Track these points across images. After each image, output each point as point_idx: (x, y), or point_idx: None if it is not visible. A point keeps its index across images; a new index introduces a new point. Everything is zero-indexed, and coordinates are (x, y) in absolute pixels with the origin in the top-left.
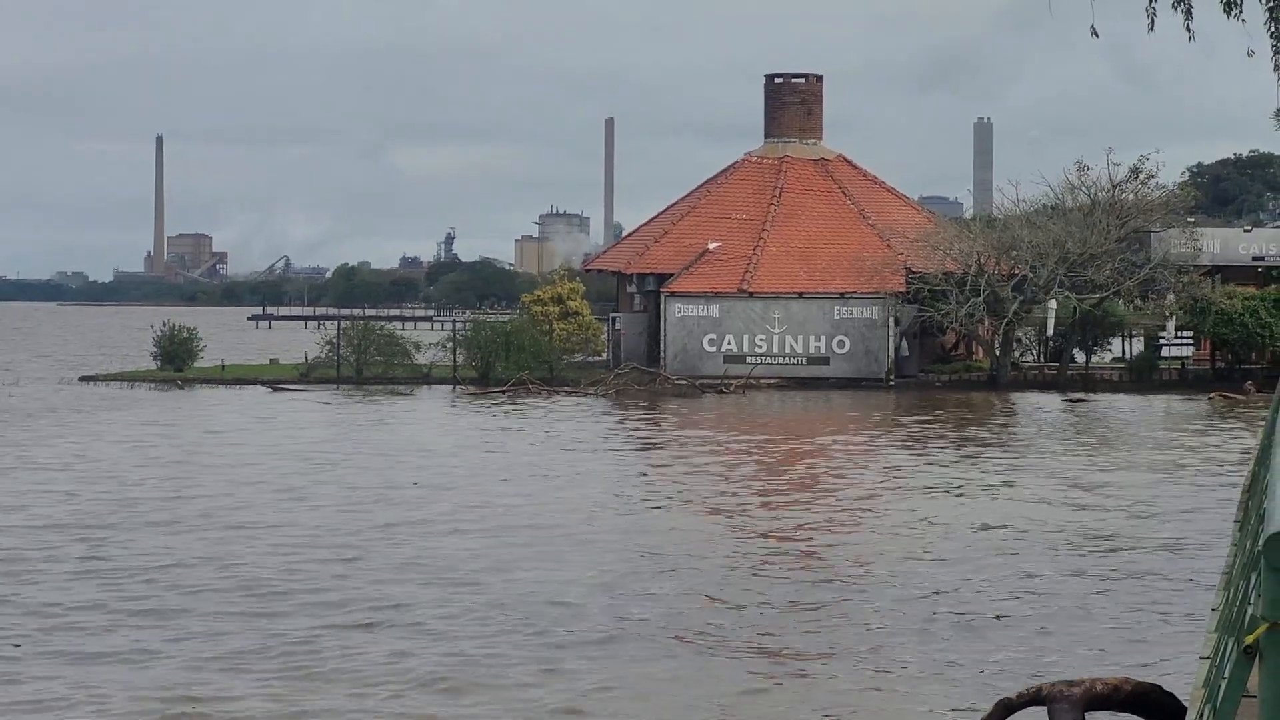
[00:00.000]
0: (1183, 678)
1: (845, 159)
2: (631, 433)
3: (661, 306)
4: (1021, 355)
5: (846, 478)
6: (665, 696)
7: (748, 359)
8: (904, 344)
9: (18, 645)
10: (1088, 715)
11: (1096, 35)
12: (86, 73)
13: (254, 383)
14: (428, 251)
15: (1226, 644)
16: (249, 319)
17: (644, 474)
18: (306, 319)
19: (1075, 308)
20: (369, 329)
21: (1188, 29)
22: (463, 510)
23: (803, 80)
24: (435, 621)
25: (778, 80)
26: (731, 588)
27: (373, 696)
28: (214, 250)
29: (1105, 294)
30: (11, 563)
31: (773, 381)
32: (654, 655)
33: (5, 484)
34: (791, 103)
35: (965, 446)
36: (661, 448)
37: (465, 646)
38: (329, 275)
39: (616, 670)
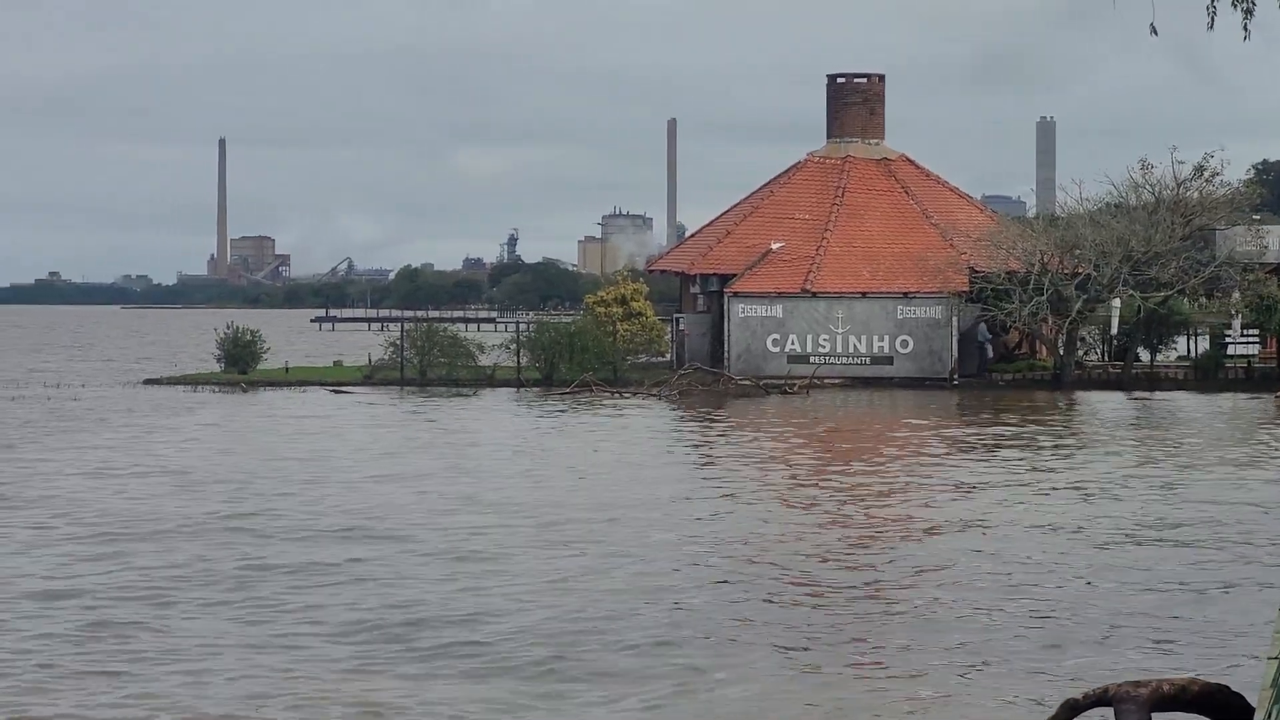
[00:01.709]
0: (1251, 678)
1: (908, 158)
2: (698, 433)
3: (725, 307)
4: (1085, 354)
5: (915, 477)
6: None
7: (811, 359)
8: (986, 335)
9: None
10: (1154, 716)
11: (1155, 34)
12: (149, 78)
13: (318, 385)
14: (491, 253)
15: None
16: (312, 321)
17: (715, 473)
18: (370, 321)
19: (1139, 306)
20: (433, 330)
21: (1245, 28)
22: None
23: (865, 80)
24: (567, 617)
25: (840, 80)
26: (807, 584)
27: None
28: (277, 253)
29: (1170, 292)
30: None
31: (836, 381)
32: (738, 653)
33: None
34: (854, 102)
35: (1032, 445)
36: (730, 447)
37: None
38: (392, 277)
39: (717, 665)
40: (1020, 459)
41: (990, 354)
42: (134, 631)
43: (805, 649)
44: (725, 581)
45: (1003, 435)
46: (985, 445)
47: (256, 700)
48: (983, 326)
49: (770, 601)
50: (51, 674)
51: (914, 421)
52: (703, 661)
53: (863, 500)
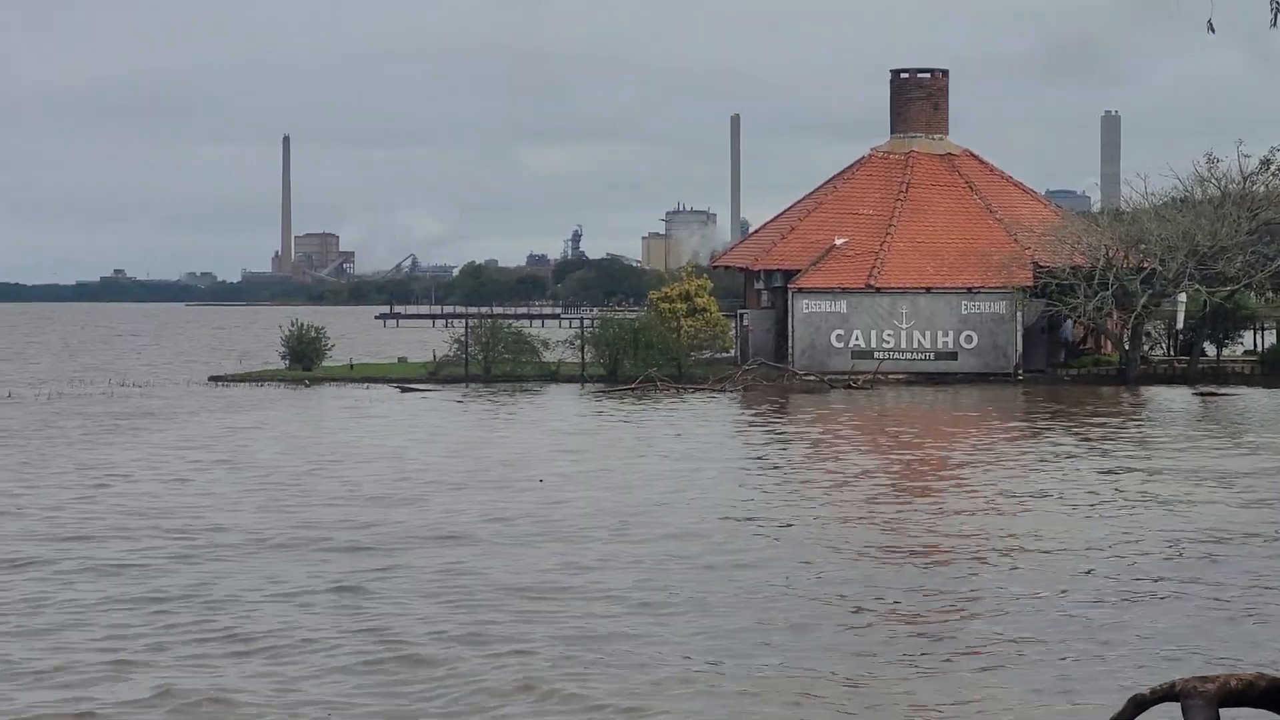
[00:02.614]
0: None
1: (971, 153)
2: (765, 428)
3: (789, 302)
4: (1151, 349)
5: (983, 471)
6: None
7: (875, 354)
8: (1069, 331)
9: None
10: (1222, 712)
11: (1213, 31)
12: (213, 77)
13: (382, 382)
14: (555, 249)
15: None
16: (376, 318)
17: (783, 468)
18: (434, 317)
19: (1205, 301)
20: (497, 327)
21: None
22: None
23: (928, 75)
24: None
25: (903, 75)
26: (877, 578)
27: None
28: (340, 249)
29: (1236, 287)
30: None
31: (900, 377)
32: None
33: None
34: (917, 98)
35: (1098, 440)
36: (797, 443)
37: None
38: (456, 273)
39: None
40: (1085, 453)
41: (1064, 355)
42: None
43: (871, 640)
44: (782, 580)
45: (1068, 430)
46: (1049, 439)
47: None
48: (1068, 324)
49: (841, 595)
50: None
51: (979, 417)
52: (779, 649)
53: (930, 495)
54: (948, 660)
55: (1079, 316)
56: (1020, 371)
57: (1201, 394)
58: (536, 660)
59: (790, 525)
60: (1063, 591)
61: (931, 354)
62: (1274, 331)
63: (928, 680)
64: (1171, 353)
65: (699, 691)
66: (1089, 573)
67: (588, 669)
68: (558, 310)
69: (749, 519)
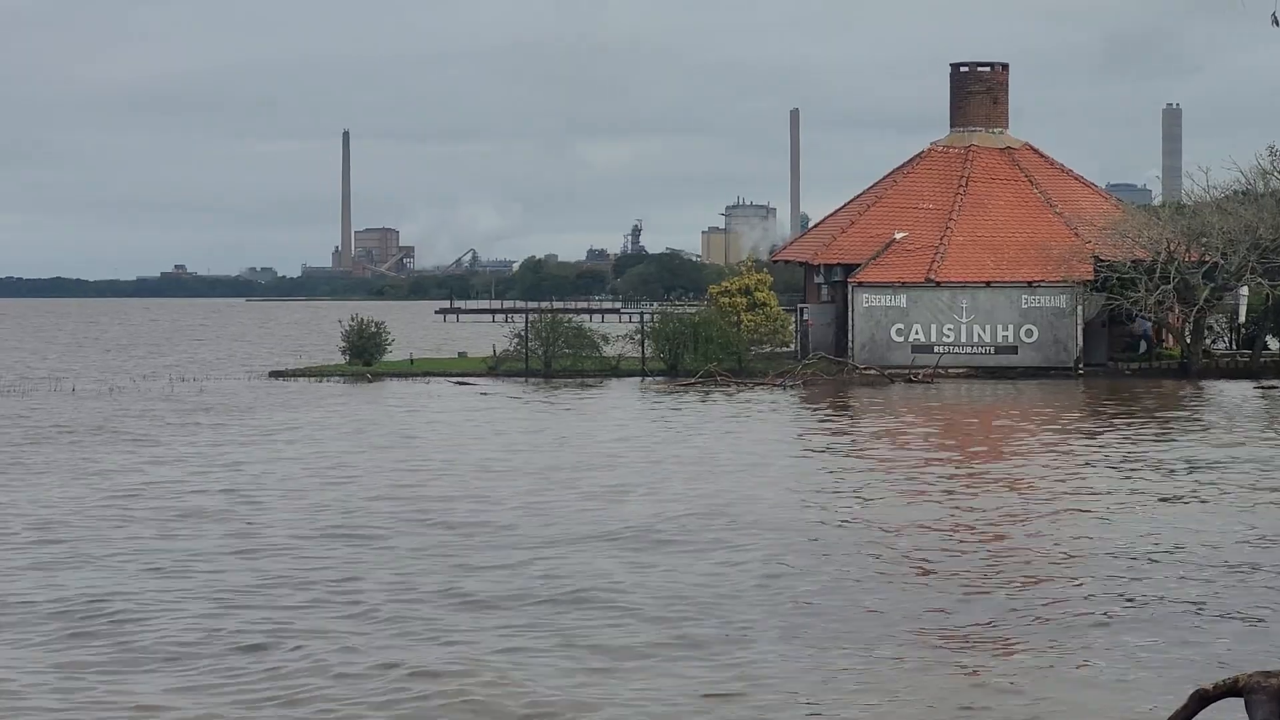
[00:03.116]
0: None
1: (1031, 147)
2: (828, 423)
3: (849, 297)
4: (1213, 343)
5: (1047, 467)
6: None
7: (935, 349)
8: (1146, 328)
9: None
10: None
11: (1277, 24)
12: (274, 72)
13: (442, 376)
14: (614, 244)
15: None
16: (436, 312)
17: (847, 464)
18: (494, 312)
19: (1268, 294)
20: (557, 322)
21: None
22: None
23: (988, 69)
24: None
25: (963, 69)
26: (942, 578)
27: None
28: (401, 244)
29: None
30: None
31: (960, 371)
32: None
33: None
34: (977, 91)
35: (1161, 435)
36: (861, 437)
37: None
38: (515, 268)
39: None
40: (1149, 448)
41: (1145, 347)
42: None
43: (935, 633)
44: (849, 570)
45: (1129, 425)
46: (1112, 435)
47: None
48: (1144, 321)
49: (904, 587)
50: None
51: (1042, 411)
52: (844, 641)
53: (994, 490)
54: (1007, 654)
55: (1140, 311)
56: (1081, 366)
57: (1264, 388)
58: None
59: (861, 525)
60: (1123, 589)
61: (991, 348)
62: None
63: (986, 672)
64: (1233, 347)
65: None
66: (1154, 562)
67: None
68: (617, 305)
69: (841, 518)
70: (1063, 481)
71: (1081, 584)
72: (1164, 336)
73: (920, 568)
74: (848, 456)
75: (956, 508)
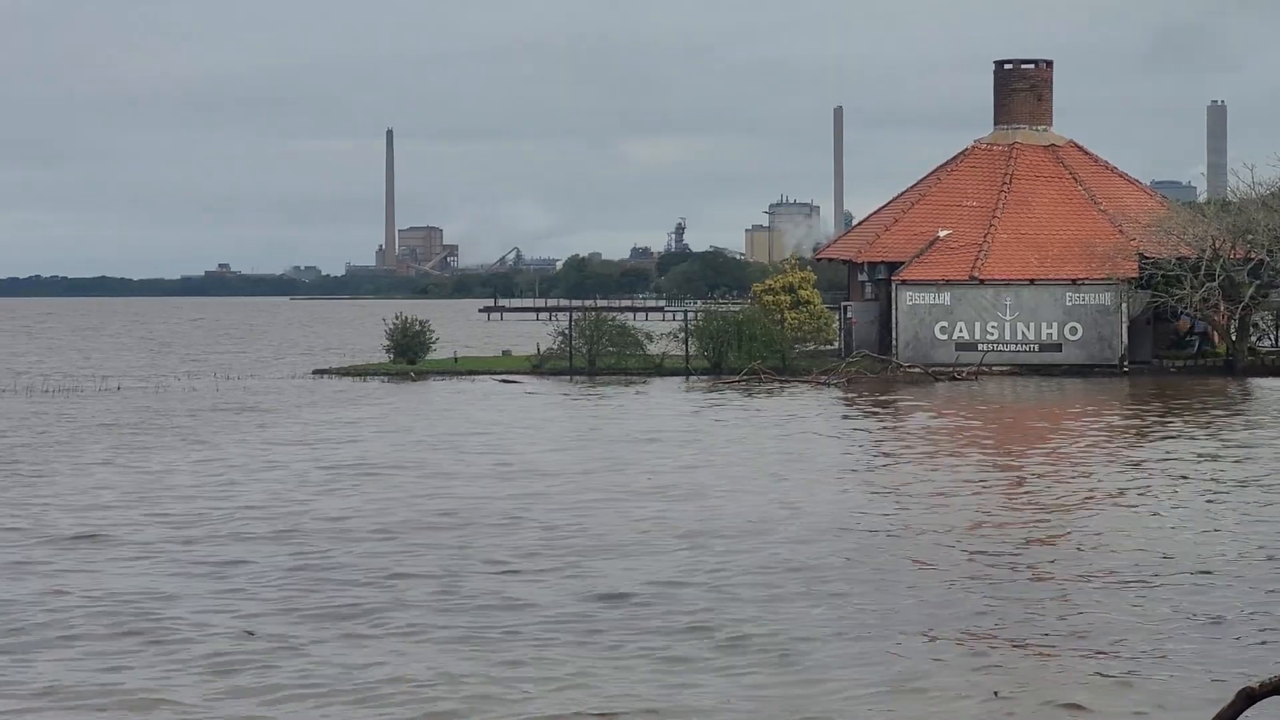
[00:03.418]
0: None
1: (1075, 144)
2: (874, 421)
3: (893, 294)
4: (1258, 340)
5: (1096, 466)
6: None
7: (979, 346)
8: (1201, 326)
9: None
10: None
11: None
12: (317, 72)
13: (486, 375)
14: (658, 242)
15: None
16: (480, 311)
17: (893, 463)
18: (538, 310)
19: None
20: (601, 320)
21: None
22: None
23: (1032, 66)
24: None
25: (1007, 67)
26: (990, 578)
27: None
28: (444, 243)
29: None
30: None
31: (1004, 369)
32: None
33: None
34: (1021, 89)
35: (1210, 433)
36: (908, 436)
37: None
38: (559, 266)
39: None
40: (1200, 447)
41: (1198, 345)
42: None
43: (983, 631)
44: (890, 569)
45: (1175, 423)
46: (1159, 433)
47: None
48: (1197, 319)
49: (951, 585)
50: None
51: (1088, 409)
52: (906, 638)
53: (1040, 489)
54: (1047, 654)
55: (1185, 308)
56: (1126, 363)
57: None
58: None
59: (910, 525)
60: (1168, 588)
61: (1036, 346)
62: None
63: (1027, 668)
64: (1279, 344)
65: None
66: (1205, 572)
67: None
68: (661, 303)
69: (891, 517)
70: (1112, 480)
71: (1119, 583)
72: (1209, 334)
73: (969, 568)
74: (896, 455)
75: (1005, 508)
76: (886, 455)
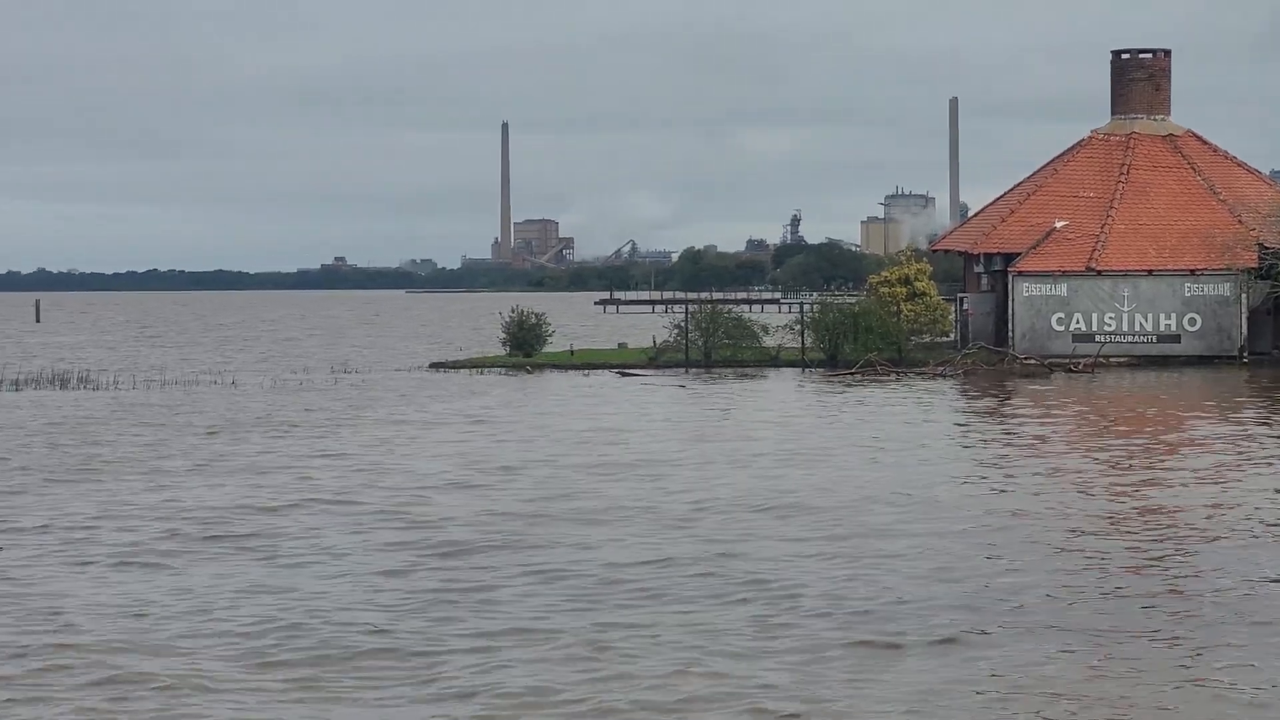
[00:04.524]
0: None
1: (1194, 134)
2: (995, 414)
3: (1009, 286)
4: None
5: (1222, 460)
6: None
7: (1097, 338)
8: None
9: None
10: None
11: None
12: (432, 64)
13: (603, 368)
14: (774, 234)
15: None
16: (596, 303)
17: (1018, 454)
18: (653, 303)
19: None
20: (717, 312)
21: None
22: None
23: (1150, 55)
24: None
25: (1124, 56)
26: (1108, 572)
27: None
28: (560, 236)
29: None
30: None
31: (1122, 360)
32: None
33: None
34: (1139, 79)
35: None
36: (1031, 428)
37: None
38: (675, 259)
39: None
40: None
41: None
42: None
43: (1110, 634)
44: (1016, 565)
45: None
46: None
47: None
48: None
49: (1072, 586)
50: None
51: (1210, 401)
52: (1003, 640)
53: (1166, 484)
54: (1152, 650)
55: None
56: (1245, 354)
57: None
58: None
59: (1042, 517)
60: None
61: (1154, 337)
62: None
63: (1156, 674)
64: None
65: None
66: None
67: None
68: (777, 295)
69: (1020, 510)
70: (1237, 474)
71: (1241, 583)
72: None
73: (1100, 563)
74: (1019, 447)
75: (1132, 502)
76: (1009, 447)
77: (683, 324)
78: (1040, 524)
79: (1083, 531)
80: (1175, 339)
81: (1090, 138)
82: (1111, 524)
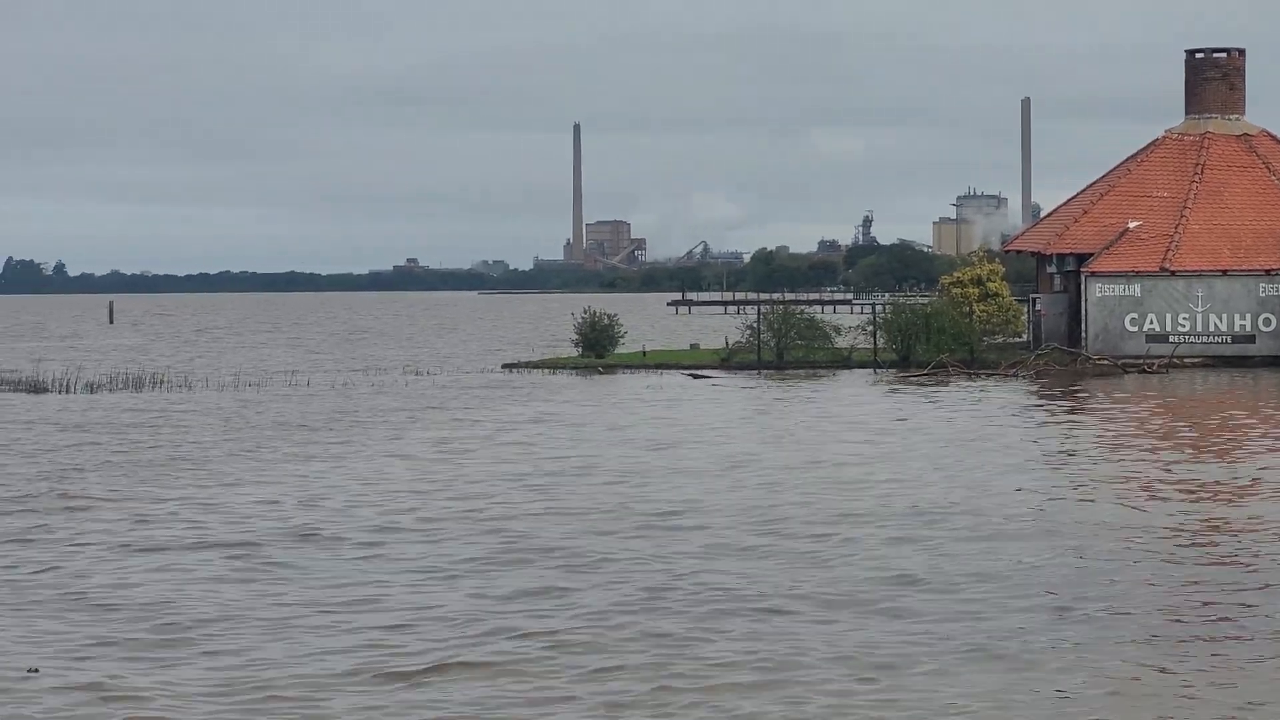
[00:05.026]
0: None
1: (1269, 134)
2: (1069, 415)
3: (1082, 286)
4: None
5: None
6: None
7: (1170, 338)
8: None
9: None
10: None
11: None
12: (503, 65)
13: (675, 368)
14: (846, 235)
15: None
16: (668, 304)
17: (1081, 457)
18: (725, 304)
19: None
20: (789, 313)
21: None
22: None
23: (1224, 55)
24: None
25: (1198, 55)
26: (1178, 576)
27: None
28: (632, 237)
29: None
30: None
31: (1196, 361)
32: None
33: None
34: (1213, 78)
35: None
36: (1108, 430)
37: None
38: (747, 260)
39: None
40: None
41: None
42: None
43: (1183, 635)
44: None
45: None
46: None
47: None
48: None
49: (1151, 585)
50: None
51: None
52: (1087, 641)
53: (1223, 488)
54: (1232, 649)
55: None
56: None
57: None
58: None
59: (1122, 522)
60: None
61: (1228, 338)
62: None
63: (1219, 680)
64: None
65: None
66: None
67: None
68: (849, 296)
69: (1099, 515)
70: None
71: None
72: None
73: (1183, 569)
74: (1095, 449)
75: (1212, 506)
76: (1087, 448)
77: (755, 325)
78: (1128, 529)
79: (1193, 542)
80: (1250, 339)
81: (1164, 138)
82: (1212, 528)
